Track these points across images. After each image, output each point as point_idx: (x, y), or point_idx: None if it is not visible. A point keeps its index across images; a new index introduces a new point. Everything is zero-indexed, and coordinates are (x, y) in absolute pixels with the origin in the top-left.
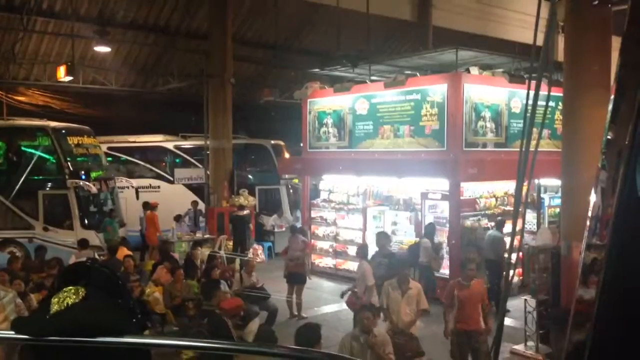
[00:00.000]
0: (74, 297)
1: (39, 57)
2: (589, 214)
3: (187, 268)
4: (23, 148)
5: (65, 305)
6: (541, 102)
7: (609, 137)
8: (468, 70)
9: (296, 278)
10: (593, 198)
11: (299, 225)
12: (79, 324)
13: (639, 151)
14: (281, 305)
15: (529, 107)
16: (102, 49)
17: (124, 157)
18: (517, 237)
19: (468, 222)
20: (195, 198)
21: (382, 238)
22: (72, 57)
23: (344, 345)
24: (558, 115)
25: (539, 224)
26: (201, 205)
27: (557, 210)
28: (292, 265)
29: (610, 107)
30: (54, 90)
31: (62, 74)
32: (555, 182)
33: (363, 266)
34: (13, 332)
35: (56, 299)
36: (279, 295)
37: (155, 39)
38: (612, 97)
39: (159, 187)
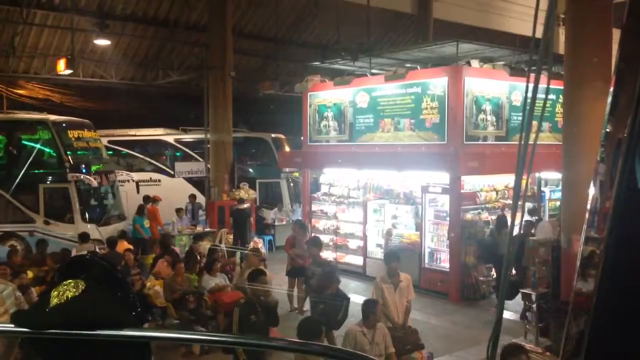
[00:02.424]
0: (74, 290)
1: (39, 50)
2: (588, 206)
3: (187, 261)
4: (23, 141)
5: (65, 298)
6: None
7: (607, 129)
8: (469, 63)
9: (301, 272)
10: (592, 191)
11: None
12: (78, 317)
13: (637, 144)
14: (281, 298)
15: (529, 100)
16: (102, 42)
17: (125, 150)
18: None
19: (469, 216)
20: (195, 192)
21: (316, 243)
22: (71, 50)
23: (349, 337)
24: (559, 108)
25: (539, 218)
26: (201, 199)
27: (558, 203)
28: (298, 260)
29: (609, 99)
30: (54, 84)
31: (62, 67)
32: (556, 175)
33: None
34: (13, 325)
35: (56, 292)
36: (279, 288)
37: (155, 31)
38: (611, 89)
39: (159, 180)
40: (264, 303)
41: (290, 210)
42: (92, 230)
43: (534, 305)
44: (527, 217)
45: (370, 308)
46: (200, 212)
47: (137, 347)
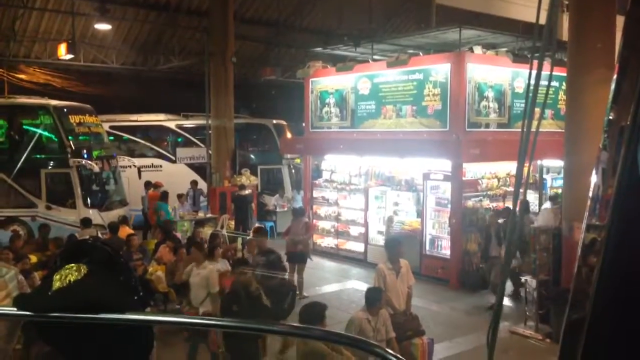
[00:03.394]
0: (76, 274)
1: (40, 34)
2: (590, 194)
3: (189, 247)
4: (25, 126)
5: (67, 282)
6: (544, 82)
7: (610, 117)
8: (471, 50)
9: (297, 258)
10: (594, 178)
11: (296, 205)
12: (81, 301)
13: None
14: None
15: (531, 87)
16: (103, 27)
17: (126, 136)
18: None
19: (470, 203)
20: (196, 177)
21: (260, 232)
22: (72, 34)
23: (354, 324)
24: (561, 96)
25: (540, 205)
26: (203, 185)
27: (560, 190)
28: (293, 246)
29: (612, 86)
30: (54, 68)
31: (62, 51)
32: (558, 162)
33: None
34: (15, 309)
35: (58, 276)
36: (280, 274)
37: (156, 16)
38: (615, 77)
39: (161, 166)
40: (250, 293)
41: (292, 197)
42: (94, 215)
43: (532, 291)
44: (548, 205)
45: (375, 295)
46: (202, 198)
47: (140, 331)
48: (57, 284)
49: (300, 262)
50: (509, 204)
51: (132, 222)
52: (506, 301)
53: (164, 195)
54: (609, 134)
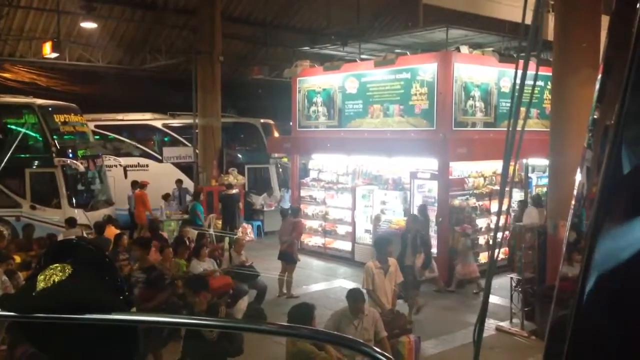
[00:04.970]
0: (61, 274)
1: (25, 33)
2: (575, 192)
3: (176, 247)
4: (9, 125)
5: (52, 282)
6: (529, 82)
7: (595, 116)
8: (458, 49)
9: (286, 257)
10: (579, 177)
11: (286, 205)
12: (65, 301)
13: (624, 131)
14: (270, 283)
15: (517, 87)
16: (89, 25)
17: (112, 135)
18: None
19: (456, 201)
20: (182, 177)
21: (144, 247)
22: (58, 33)
23: (333, 318)
24: (547, 95)
25: (526, 203)
26: (190, 184)
27: (545, 189)
28: (282, 245)
29: (597, 86)
30: (40, 67)
31: (47, 50)
32: (543, 161)
33: None
34: None
35: (42, 276)
36: (268, 273)
37: (142, 14)
38: (599, 76)
39: (147, 165)
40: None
41: (280, 197)
42: (80, 215)
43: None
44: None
45: (356, 296)
46: (188, 197)
47: (125, 331)
48: (41, 284)
49: (288, 262)
50: (495, 202)
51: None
52: (492, 299)
53: (197, 195)
54: (594, 133)
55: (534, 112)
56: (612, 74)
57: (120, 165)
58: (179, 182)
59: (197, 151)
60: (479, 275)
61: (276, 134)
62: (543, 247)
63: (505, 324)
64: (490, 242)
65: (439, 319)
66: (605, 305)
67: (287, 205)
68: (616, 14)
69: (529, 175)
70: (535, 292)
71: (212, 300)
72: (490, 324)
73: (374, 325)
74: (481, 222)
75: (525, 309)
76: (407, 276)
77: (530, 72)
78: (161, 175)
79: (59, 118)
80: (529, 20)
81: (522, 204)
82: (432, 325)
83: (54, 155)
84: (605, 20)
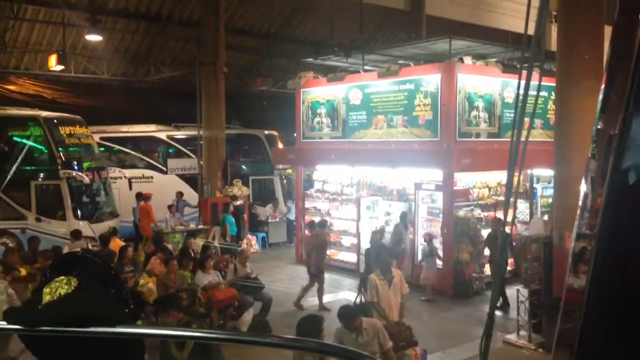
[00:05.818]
0: (66, 287)
1: (30, 45)
2: (580, 203)
3: (181, 259)
4: (14, 138)
5: (58, 295)
6: (532, 92)
7: (599, 126)
8: (461, 60)
9: (310, 270)
10: (583, 187)
11: (293, 217)
12: (71, 314)
13: (627, 140)
14: (276, 295)
15: (520, 97)
16: (94, 38)
17: (117, 147)
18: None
19: (461, 212)
20: (186, 188)
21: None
22: (63, 46)
23: (336, 337)
24: (551, 105)
25: (531, 214)
26: (194, 196)
27: (550, 200)
28: (311, 259)
29: (600, 96)
30: (45, 80)
31: (53, 63)
32: (548, 172)
33: None
34: (5, 323)
35: (48, 289)
36: (273, 285)
37: (147, 27)
38: (602, 86)
39: (152, 177)
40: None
41: (284, 208)
42: (85, 227)
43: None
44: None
45: (349, 312)
46: (187, 209)
47: (130, 344)
48: (47, 297)
49: (312, 274)
50: (500, 213)
51: (122, 234)
52: (499, 311)
53: (227, 207)
54: (598, 143)
55: (538, 122)
56: (614, 84)
57: (125, 177)
58: (179, 193)
59: (201, 162)
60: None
61: (280, 145)
62: (549, 258)
63: (512, 337)
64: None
65: (445, 331)
66: (611, 317)
67: (293, 217)
68: (618, 24)
69: (534, 185)
70: (542, 304)
71: (184, 319)
72: (497, 336)
73: (376, 337)
74: (486, 233)
75: (533, 321)
76: None
77: (534, 82)
78: (166, 187)
79: (64, 130)
80: (531, 30)
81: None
82: (439, 337)
83: (59, 167)
84: (608, 31)
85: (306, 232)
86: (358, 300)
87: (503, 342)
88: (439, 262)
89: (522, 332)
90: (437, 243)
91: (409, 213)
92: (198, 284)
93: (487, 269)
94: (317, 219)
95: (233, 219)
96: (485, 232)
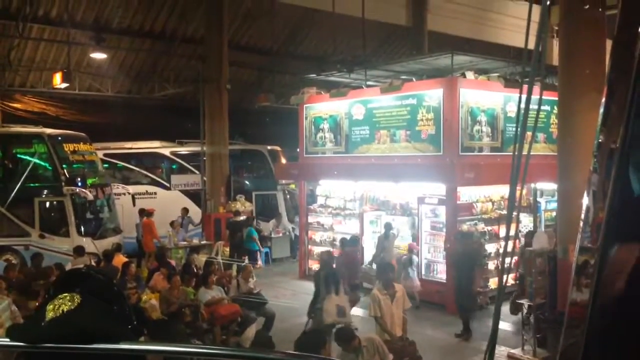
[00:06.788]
0: (70, 304)
1: (35, 63)
2: (582, 217)
3: (184, 274)
4: (19, 155)
5: (61, 312)
6: (534, 106)
7: (600, 140)
8: (464, 75)
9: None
10: (585, 201)
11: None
12: (74, 331)
13: (629, 154)
14: (279, 310)
15: (522, 111)
16: (98, 56)
17: (121, 163)
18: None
19: (465, 227)
20: (190, 204)
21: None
22: (68, 63)
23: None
24: (553, 119)
25: (535, 228)
26: (198, 212)
27: (554, 214)
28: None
29: (601, 110)
30: (49, 97)
31: (58, 80)
32: (552, 185)
33: None
34: (8, 340)
35: (51, 306)
36: (276, 301)
37: (151, 44)
38: (603, 100)
39: (155, 193)
40: None
41: (288, 223)
42: (88, 243)
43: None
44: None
45: (345, 334)
46: (191, 226)
47: None
48: (50, 314)
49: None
50: (503, 227)
51: (125, 250)
52: (503, 325)
53: (250, 221)
54: (599, 156)
55: (540, 136)
56: (615, 98)
57: (128, 193)
58: (185, 210)
59: (204, 178)
60: (419, 289)
61: (283, 161)
62: (554, 272)
63: (517, 351)
64: (500, 266)
65: (448, 346)
66: (615, 331)
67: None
68: (618, 38)
69: (538, 199)
70: (546, 318)
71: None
72: (502, 351)
73: (376, 352)
74: (490, 248)
75: (537, 336)
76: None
77: (535, 96)
78: (169, 203)
79: (68, 147)
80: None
81: (529, 235)
82: (442, 352)
83: (63, 184)
84: (609, 45)
85: (334, 250)
86: (308, 327)
87: (508, 356)
88: (415, 273)
89: (527, 347)
90: (416, 256)
91: (412, 227)
92: (201, 300)
93: (491, 283)
94: (347, 236)
95: (257, 232)
96: (489, 247)
